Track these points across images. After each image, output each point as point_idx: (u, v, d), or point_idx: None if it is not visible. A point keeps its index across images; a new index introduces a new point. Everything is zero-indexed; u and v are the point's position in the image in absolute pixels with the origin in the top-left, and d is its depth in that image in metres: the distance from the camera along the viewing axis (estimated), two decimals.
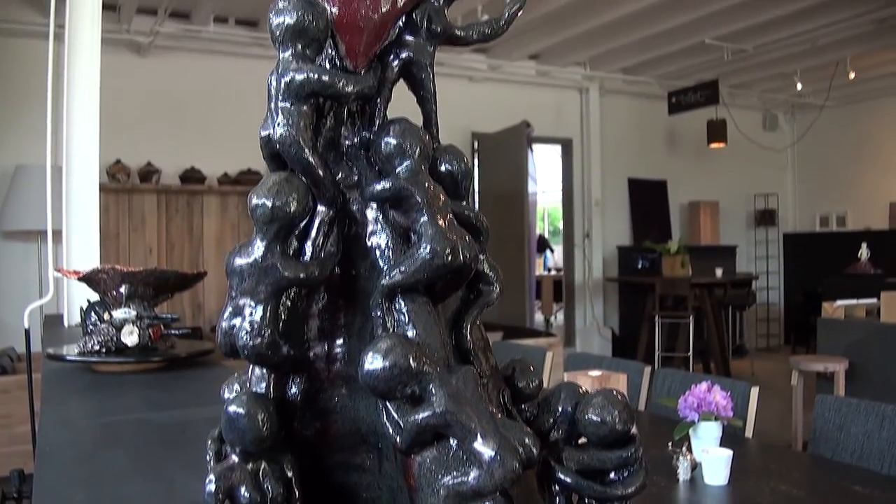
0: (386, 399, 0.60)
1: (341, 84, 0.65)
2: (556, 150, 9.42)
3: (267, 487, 0.62)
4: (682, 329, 7.81)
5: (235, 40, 6.90)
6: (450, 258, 0.64)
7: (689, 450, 2.08)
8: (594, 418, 0.68)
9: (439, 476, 0.59)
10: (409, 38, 0.71)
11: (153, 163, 6.56)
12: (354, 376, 0.62)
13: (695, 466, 2.00)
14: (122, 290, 1.96)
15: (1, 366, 4.66)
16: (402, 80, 0.73)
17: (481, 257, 0.70)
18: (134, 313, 1.93)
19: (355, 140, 0.70)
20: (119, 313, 1.92)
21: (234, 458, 0.63)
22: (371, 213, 0.68)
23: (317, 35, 0.65)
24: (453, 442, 0.59)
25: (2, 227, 5.84)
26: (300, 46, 0.65)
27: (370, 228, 0.68)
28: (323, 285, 0.67)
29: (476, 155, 8.37)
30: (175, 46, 6.79)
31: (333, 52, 0.68)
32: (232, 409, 0.62)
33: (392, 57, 0.71)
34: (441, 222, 0.65)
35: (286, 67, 0.65)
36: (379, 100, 0.70)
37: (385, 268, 0.66)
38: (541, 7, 6.49)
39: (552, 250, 12.68)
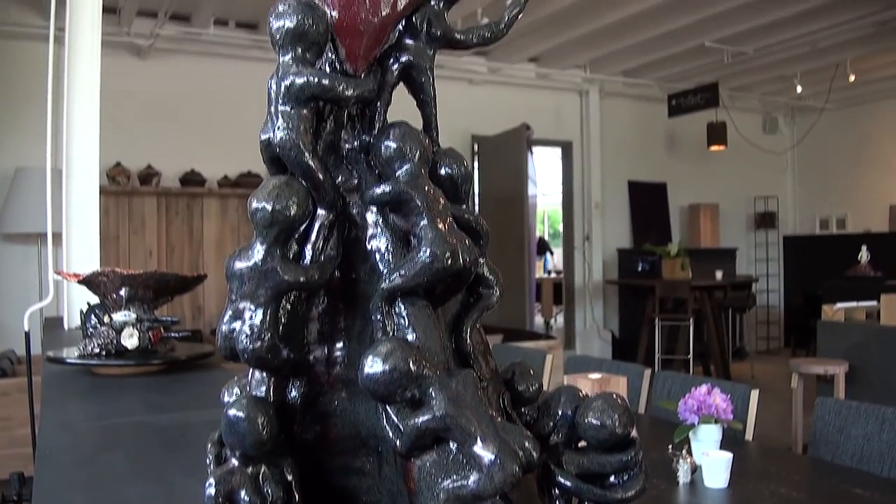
0: (386, 402, 0.60)
1: (341, 88, 0.65)
2: (556, 152, 9.42)
3: (267, 491, 0.62)
4: (682, 332, 7.81)
5: (236, 43, 6.91)
6: (450, 262, 0.64)
7: (689, 452, 2.07)
8: (594, 422, 0.68)
9: (439, 480, 0.58)
10: (409, 41, 0.71)
11: (153, 165, 6.56)
12: (354, 380, 0.62)
13: (695, 469, 2.00)
14: (122, 292, 1.96)
15: (1, 368, 4.65)
16: (401, 84, 0.73)
17: (481, 261, 0.70)
18: (134, 316, 1.93)
19: (355, 143, 0.70)
20: (119, 316, 1.92)
21: (234, 462, 0.62)
22: (371, 217, 0.68)
23: (317, 39, 0.65)
24: (453, 445, 0.59)
25: (2, 230, 5.84)
26: (300, 50, 0.65)
27: (370, 232, 0.68)
28: (323, 289, 0.67)
29: (476, 157, 8.38)
30: (175, 49, 6.80)
31: (333, 56, 0.68)
32: (232, 412, 0.62)
33: (392, 60, 0.71)
34: (441, 226, 0.65)
35: (286, 71, 0.64)
36: (379, 103, 0.70)
37: (385, 271, 0.66)
38: (541, 10, 6.50)
39: (552, 253, 12.68)
